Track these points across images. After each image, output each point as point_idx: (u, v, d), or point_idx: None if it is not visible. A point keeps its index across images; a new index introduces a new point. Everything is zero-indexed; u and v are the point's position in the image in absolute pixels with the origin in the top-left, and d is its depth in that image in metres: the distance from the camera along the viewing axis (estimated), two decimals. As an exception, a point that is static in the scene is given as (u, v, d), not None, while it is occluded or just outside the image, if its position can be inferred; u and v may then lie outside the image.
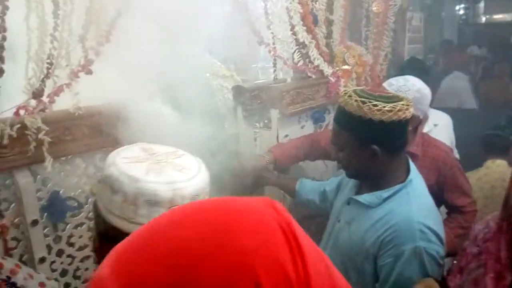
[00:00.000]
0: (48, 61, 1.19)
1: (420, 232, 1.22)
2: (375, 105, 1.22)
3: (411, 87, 1.72)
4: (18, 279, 1.04)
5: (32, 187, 1.23)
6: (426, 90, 1.76)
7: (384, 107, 1.21)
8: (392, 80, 1.79)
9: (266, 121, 2.15)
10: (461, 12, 7.62)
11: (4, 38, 1.08)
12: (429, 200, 1.36)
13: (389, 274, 1.26)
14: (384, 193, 1.32)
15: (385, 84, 1.79)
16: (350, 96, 1.27)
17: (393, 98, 1.26)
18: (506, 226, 1.09)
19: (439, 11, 7.28)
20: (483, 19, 7.75)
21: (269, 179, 1.88)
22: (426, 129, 2.19)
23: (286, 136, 2.12)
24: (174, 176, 0.82)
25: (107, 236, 0.82)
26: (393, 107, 1.22)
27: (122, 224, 0.80)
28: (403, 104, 1.24)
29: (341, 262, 1.40)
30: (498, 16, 7.57)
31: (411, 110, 1.27)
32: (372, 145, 1.27)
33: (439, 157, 1.81)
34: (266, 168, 1.89)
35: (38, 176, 1.26)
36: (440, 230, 1.29)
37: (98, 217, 0.85)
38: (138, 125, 1.44)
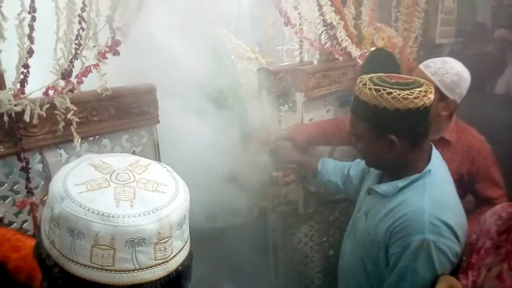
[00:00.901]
0: (76, 41, 1.19)
1: (431, 224, 1.17)
2: (389, 93, 1.17)
3: (449, 69, 1.65)
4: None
5: (61, 166, 1.25)
6: (465, 73, 1.68)
7: (399, 94, 1.16)
8: (429, 62, 1.71)
9: (291, 104, 2.13)
10: (497, -8, 7.27)
11: (34, 19, 1.08)
12: (448, 193, 1.28)
13: (395, 265, 1.23)
14: (400, 183, 1.28)
15: (421, 66, 1.72)
16: (364, 84, 1.23)
17: (411, 85, 1.20)
18: None
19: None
20: (520, 0, 7.36)
21: (288, 156, 1.84)
22: None
23: (311, 119, 2.09)
24: (153, 200, 0.65)
25: None
26: (409, 95, 1.16)
27: (99, 276, 0.62)
28: (420, 91, 1.17)
29: (359, 252, 1.40)
30: (537, -4, 7.18)
31: (431, 96, 1.20)
32: (390, 135, 1.23)
33: (474, 146, 1.74)
34: (286, 145, 1.86)
35: (67, 156, 1.28)
36: (458, 225, 1.21)
37: (51, 270, 0.65)
38: (164, 106, 1.45)
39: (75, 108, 1.21)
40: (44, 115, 1.15)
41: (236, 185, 1.66)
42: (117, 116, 1.37)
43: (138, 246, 0.62)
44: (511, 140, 2.37)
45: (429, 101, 1.19)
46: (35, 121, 1.13)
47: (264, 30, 3.18)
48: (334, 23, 2.07)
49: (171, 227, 0.65)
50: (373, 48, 2.23)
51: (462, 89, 1.68)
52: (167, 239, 0.64)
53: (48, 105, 1.15)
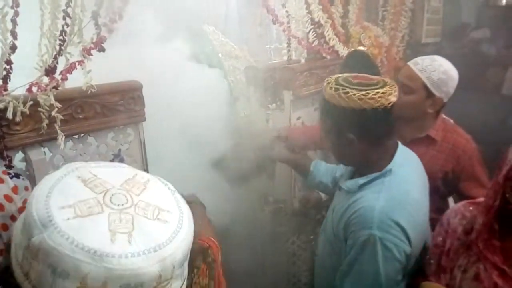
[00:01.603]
0: (61, 37, 1.17)
1: (380, 221, 1.18)
2: (346, 93, 1.19)
3: (438, 67, 1.67)
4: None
5: (44, 164, 1.23)
6: (453, 72, 1.70)
7: (355, 94, 1.18)
8: (418, 59, 1.73)
9: (278, 102, 2.13)
10: (481, -7, 7.37)
11: (17, 14, 1.06)
12: (407, 193, 1.27)
13: (346, 257, 1.26)
14: (361, 180, 1.29)
15: (410, 63, 1.74)
16: (329, 83, 1.25)
17: (372, 86, 1.21)
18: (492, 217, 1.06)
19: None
20: (504, 1, 7.49)
21: (281, 154, 1.85)
22: None
23: (299, 118, 2.10)
24: (155, 234, 0.55)
25: None
26: (364, 95, 1.17)
27: None
28: (378, 92, 1.18)
29: (327, 247, 1.42)
30: (520, -2, 7.30)
31: (391, 98, 1.20)
32: (348, 134, 1.25)
33: (459, 144, 1.74)
34: (279, 144, 1.87)
35: (51, 154, 1.26)
36: (412, 225, 1.20)
37: None
38: (151, 103, 1.43)
39: (59, 106, 1.19)
40: (28, 113, 1.12)
41: (225, 185, 1.66)
42: (102, 114, 1.34)
43: None
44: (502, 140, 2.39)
45: (388, 102, 1.20)
46: (18, 119, 1.11)
47: (252, 29, 3.17)
48: (322, 22, 2.08)
49: (174, 267, 0.55)
50: (350, 50, 2.24)
51: (450, 87, 1.69)
52: (168, 281, 0.55)
53: (31, 102, 1.12)
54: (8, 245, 0.57)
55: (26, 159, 1.21)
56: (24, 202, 0.98)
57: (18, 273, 0.53)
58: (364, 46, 2.37)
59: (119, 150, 1.43)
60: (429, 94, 1.68)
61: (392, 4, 2.47)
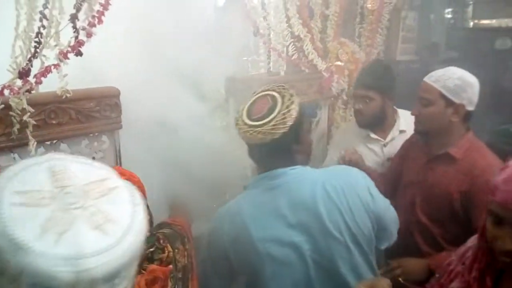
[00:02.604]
0: (36, 39, 1.13)
1: None
2: (246, 132, 1.25)
3: (451, 75, 1.61)
4: None
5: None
6: (469, 78, 1.62)
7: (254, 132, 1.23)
8: (432, 73, 1.67)
9: (257, 114, 2.12)
10: (450, 16, 7.70)
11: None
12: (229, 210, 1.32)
13: None
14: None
15: (425, 78, 1.68)
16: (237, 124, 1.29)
17: (265, 117, 1.23)
18: (481, 255, 1.06)
19: (428, 13, 7.34)
20: (471, 23, 7.82)
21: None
22: (389, 137, 2.06)
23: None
24: (86, 243, 0.52)
25: None
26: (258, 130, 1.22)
27: None
28: (269, 124, 1.21)
29: None
30: (485, 22, 7.66)
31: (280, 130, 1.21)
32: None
33: (479, 165, 1.57)
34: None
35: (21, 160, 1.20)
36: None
37: None
38: (128, 111, 1.39)
39: (32, 110, 1.14)
40: (-2, 116, 1.07)
41: (206, 193, 1.62)
42: (77, 120, 1.30)
43: None
44: None
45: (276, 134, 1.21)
46: (-13, 122, 1.06)
47: (230, 40, 3.17)
48: (302, 36, 2.10)
49: (93, 282, 0.52)
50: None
51: (469, 93, 1.60)
52: None
53: (2, 106, 1.08)
54: None
55: (-6, 165, 1.15)
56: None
57: None
58: (341, 61, 2.41)
59: (93, 158, 1.38)
60: (448, 102, 1.61)
61: (368, 22, 2.53)
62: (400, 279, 1.53)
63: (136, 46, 1.42)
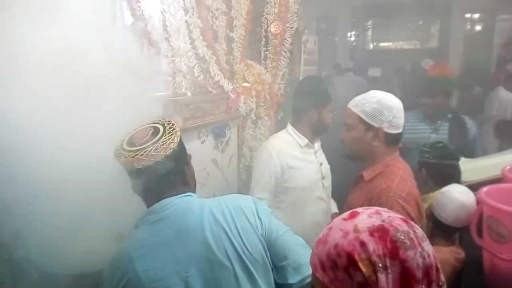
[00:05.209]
0: None
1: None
2: (125, 157, 1.22)
3: (370, 99, 1.66)
4: None
5: None
6: (388, 101, 1.64)
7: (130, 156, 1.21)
8: (355, 98, 1.71)
9: (164, 135, 2.09)
10: (352, 38, 8.35)
11: None
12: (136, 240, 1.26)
13: None
14: None
15: (348, 104, 1.72)
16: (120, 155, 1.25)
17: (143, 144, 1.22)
18: None
19: (332, 36, 7.90)
20: (371, 45, 8.58)
21: None
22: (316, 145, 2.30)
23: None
24: None
25: None
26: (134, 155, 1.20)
27: None
28: (145, 151, 1.19)
29: None
30: (383, 44, 8.45)
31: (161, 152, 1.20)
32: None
33: (377, 189, 1.61)
34: None
35: None
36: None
37: None
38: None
39: None
40: None
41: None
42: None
43: None
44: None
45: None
46: None
47: (139, 60, 3.11)
48: (207, 57, 2.13)
49: None
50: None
51: (388, 116, 1.63)
52: None
53: None
54: None
55: None
56: None
57: None
58: (248, 82, 2.48)
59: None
60: (368, 126, 1.65)
61: (272, 45, 2.64)
62: None
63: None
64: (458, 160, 2.18)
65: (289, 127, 2.30)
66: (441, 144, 2.24)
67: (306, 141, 2.26)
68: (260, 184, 2.19)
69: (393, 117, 1.63)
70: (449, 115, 2.78)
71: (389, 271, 0.73)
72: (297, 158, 2.22)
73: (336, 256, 0.77)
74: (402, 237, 0.76)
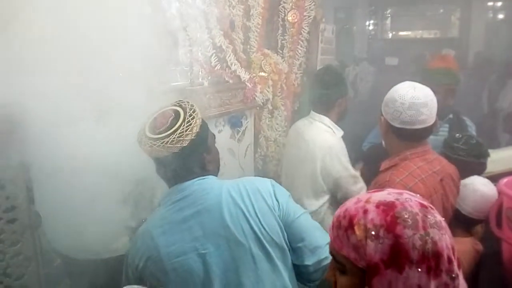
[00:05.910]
0: None
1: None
2: (151, 146, 1.27)
3: (391, 89, 1.65)
4: None
5: None
6: (395, 94, 1.59)
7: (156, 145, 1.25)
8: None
9: (182, 124, 2.11)
10: (371, 27, 8.23)
11: None
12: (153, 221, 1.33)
13: None
14: None
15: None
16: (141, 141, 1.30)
17: (168, 130, 1.26)
18: None
19: (350, 25, 7.79)
20: (390, 35, 8.44)
21: None
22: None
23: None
24: None
25: None
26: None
27: None
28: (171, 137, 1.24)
29: None
30: (403, 33, 8.31)
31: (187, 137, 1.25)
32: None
33: (380, 179, 1.63)
34: None
35: None
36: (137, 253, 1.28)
37: None
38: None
39: None
40: None
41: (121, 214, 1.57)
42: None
43: None
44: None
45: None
46: None
47: (156, 50, 3.13)
48: (223, 47, 2.13)
49: None
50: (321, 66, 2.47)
51: (390, 108, 1.59)
52: None
53: None
54: None
55: None
56: None
57: None
58: (265, 72, 2.47)
59: None
60: (381, 116, 1.69)
61: (289, 34, 2.62)
62: None
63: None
64: (489, 156, 2.09)
65: (324, 119, 2.27)
66: (475, 141, 2.08)
67: (342, 132, 2.28)
68: (350, 164, 2.20)
69: (395, 110, 1.57)
70: (450, 116, 2.51)
71: (381, 241, 0.77)
72: None
73: (342, 218, 0.84)
74: (406, 216, 0.78)
